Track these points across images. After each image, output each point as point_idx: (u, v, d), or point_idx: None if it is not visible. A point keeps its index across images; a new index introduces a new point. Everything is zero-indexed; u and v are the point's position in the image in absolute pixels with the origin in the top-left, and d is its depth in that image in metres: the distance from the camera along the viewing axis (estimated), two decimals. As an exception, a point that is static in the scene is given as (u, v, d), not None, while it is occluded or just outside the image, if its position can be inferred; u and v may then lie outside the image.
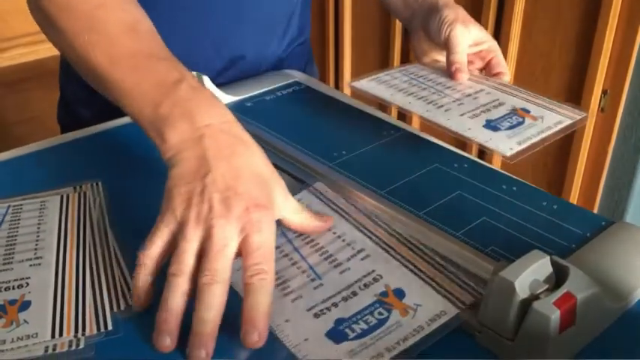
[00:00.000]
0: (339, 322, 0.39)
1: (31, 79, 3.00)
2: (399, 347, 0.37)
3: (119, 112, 0.65)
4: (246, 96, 0.69)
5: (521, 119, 0.56)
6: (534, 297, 0.36)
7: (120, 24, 0.49)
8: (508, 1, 1.37)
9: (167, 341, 0.37)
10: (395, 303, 0.40)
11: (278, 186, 0.43)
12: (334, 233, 0.46)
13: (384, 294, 0.41)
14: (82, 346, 0.38)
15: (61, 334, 0.39)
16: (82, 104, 0.74)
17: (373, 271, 0.43)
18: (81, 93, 0.74)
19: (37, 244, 0.47)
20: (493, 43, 0.66)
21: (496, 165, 1.52)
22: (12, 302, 0.41)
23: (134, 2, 0.53)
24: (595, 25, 1.24)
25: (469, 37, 0.63)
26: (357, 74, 1.87)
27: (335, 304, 0.40)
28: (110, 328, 0.39)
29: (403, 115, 1.75)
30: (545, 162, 1.44)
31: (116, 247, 0.46)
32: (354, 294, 0.41)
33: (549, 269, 0.38)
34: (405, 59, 1.67)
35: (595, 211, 1.42)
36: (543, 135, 0.54)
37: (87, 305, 0.41)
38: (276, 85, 0.72)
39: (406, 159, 0.58)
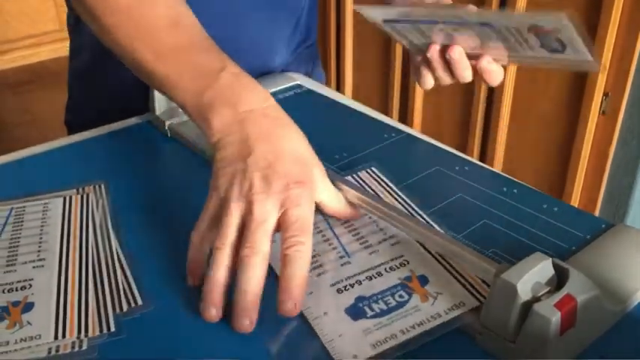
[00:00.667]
0: (359, 299, 0.41)
1: (32, 81, 3.01)
2: (413, 331, 0.39)
3: (126, 115, 0.66)
4: (248, 98, 0.69)
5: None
6: (535, 299, 0.37)
7: (163, 18, 0.51)
8: (509, 3, 1.37)
9: (213, 312, 0.40)
10: (417, 288, 0.42)
11: (317, 168, 0.45)
12: (369, 218, 0.48)
13: (408, 278, 0.43)
14: (84, 347, 0.38)
15: (64, 336, 0.39)
16: (89, 107, 0.75)
17: (401, 256, 0.45)
18: (88, 96, 0.74)
19: (40, 246, 0.47)
20: None
21: (497, 168, 1.52)
22: (15, 304, 0.41)
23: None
24: (596, 28, 1.24)
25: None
26: (358, 77, 1.87)
27: (359, 282, 0.42)
28: (113, 329, 0.39)
29: (404, 117, 1.75)
30: (546, 165, 1.44)
31: (119, 249, 0.47)
32: (379, 274, 0.43)
33: (551, 271, 0.38)
34: (407, 63, 1.68)
35: (596, 213, 1.42)
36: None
37: (90, 307, 0.41)
38: (278, 88, 0.72)
39: (407, 161, 0.58)
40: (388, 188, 0.53)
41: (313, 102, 0.70)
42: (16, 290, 0.42)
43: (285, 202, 0.41)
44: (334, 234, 0.47)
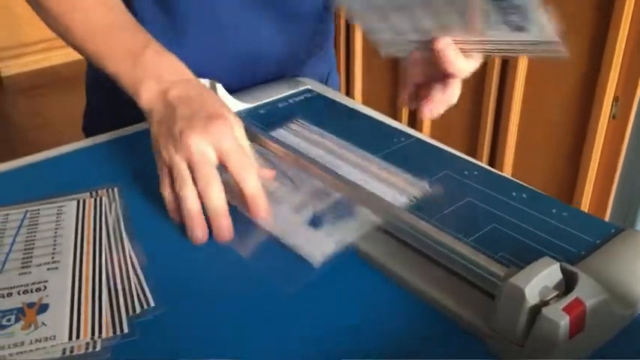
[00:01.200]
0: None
1: (45, 85, 3.04)
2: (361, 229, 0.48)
3: (142, 121, 0.66)
4: (259, 103, 0.70)
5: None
6: (544, 303, 0.37)
7: (94, 1, 0.58)
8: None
9: (199, 233, 0.48)
10: None
11: (234, 117, 0.52)
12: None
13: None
14: (98, 348, 0.39)
15: (78, 337, 0.39)
16: (106, 114, 0.75)
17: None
18: (107, 104, 0.75)
19: (54, 249, 0.48)
20: None
21: (506, 172, 1.52)
22: (30, 305, 0.42)
23: None
24: (606, 32, 1.24)
25: None
26: (368, 82, 1.88)
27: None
28: (126, 330, 0.40)
29: (413, 121, 1.76)
30: (555, 169, 1.44)
31: (131, 252, 0.47)
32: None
33: (559, 276, 0.38)
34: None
35: (606, 218, 1.41)
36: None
37: (103, 308, 0.42)
38: (289, 93, 0.72)
39: (416, 166, 0.58)
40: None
41: (323, 106, 0.71)
42: (31, 292, 0.43)
43: (213, 139, 0.48)
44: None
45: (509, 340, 0.38)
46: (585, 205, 1.40)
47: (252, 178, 0.49)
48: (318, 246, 0.47)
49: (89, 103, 0.81)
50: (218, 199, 0.48)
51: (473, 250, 0.44)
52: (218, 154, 0.49)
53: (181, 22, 0.68)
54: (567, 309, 0.36)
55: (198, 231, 0.48)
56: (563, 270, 0.39)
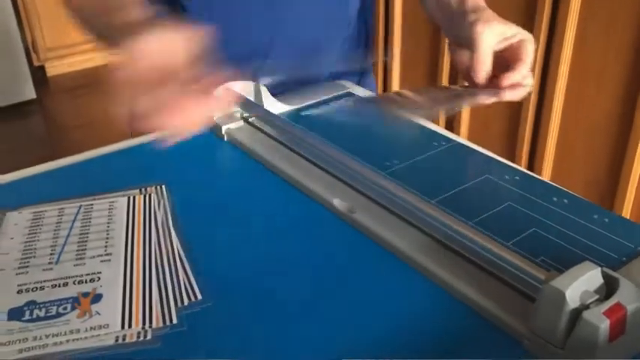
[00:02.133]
0: None
1: (88, 85, 3.12)
2: None
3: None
4: (301, 105, 0.71)
5: None
6: (584, 307, 0.37)
7: None
8: (561, 9, 1.35)
9: None
10: None
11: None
12: None
13: None
14: (149, 337, 0.41)
15: (130, 326, 0.41)
16: None
17: None
18: None
19: (106, 242, 0.50)
20: (525, 35, 0.60)
21: (545, 178, 1.50)
22: (85, 294, 0.44)
23: None
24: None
25: (491, 35, 0.59)
26: (406, 84, 1.88)
27: None
28: (175, 321, 0.42)
29: (450, 126, 1.75)
30: (596, 176, 1.42)
31: (179, 247, 0.49)
32: None
33: (600, 280, 0.39)
34: (454, 74, 1.68)
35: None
36: None
37: (153, 299, 0.44)
38: (330, 96, 0.74)
39: (456, 169, 0.59)
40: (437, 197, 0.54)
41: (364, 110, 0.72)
42: (86, 282, 0.45)
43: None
44: None
45: (548, 342, 0.38)
46: (627, 212, 1.38)
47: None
48: None
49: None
50: None
51: (513, 253, 0.44)
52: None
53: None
54: (608, 313, 0.36)
55: None
56: (604, 275, 0.40)
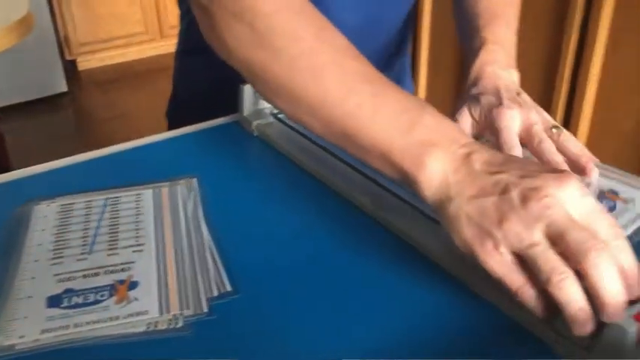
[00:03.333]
0: None
1: (119, 79, 3.18)
2: (637, 221, 0.48)
3: (226, 114, 0.68)
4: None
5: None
6: (614, 310, 0.37)
7: (344, 47, 0.46)
8: (594, 13, 1.34)
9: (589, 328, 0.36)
10: (615, 198, 0.52)
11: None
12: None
13: (603, 193, 0.52)
14: (180, 324, 0.42)
15: (168, 312, 0.42)
16: (192, 106, 0.79)
17: (583, 179, 0.53)
18: (191, 95, 0.79)
19: (137, 233, 0.51)
20: (540, 121, 0.55)
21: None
22: (121, 282, 0.45)
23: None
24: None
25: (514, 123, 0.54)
26: (431, 93, 1.88)
27: None
28: (205, 310, 0.43)
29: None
30: None
31: (209, 238, 0.50)
32: None
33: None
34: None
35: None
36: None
37: (188, 288, 0.45)
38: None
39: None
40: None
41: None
42: (121, 271, 0.47)
43: (577, 204, 0.37)
44: None
45: (576, 344, 0.38)
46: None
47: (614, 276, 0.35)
48: None
49: (175, 92, 0.85)
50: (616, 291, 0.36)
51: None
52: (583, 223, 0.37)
53: None
54: (638, 316, 0.36)
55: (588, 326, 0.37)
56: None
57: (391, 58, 0.81)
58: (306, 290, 0.45)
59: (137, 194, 0.56)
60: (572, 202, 0.37)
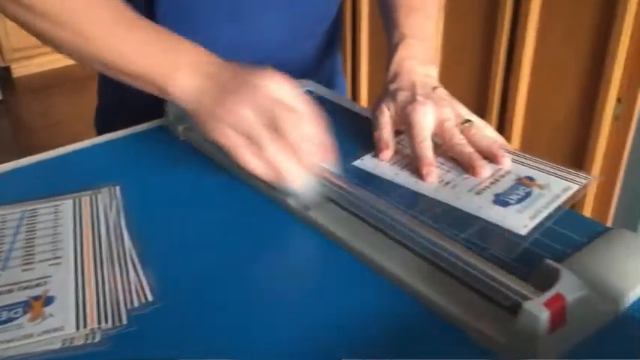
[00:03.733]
0: (497, 195, 0.52)
1: (56, 85, 3.07)
2: (550, 206, 0.51)
3: (151, 119, 0.68)
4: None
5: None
6: (525, 297, 0.38)
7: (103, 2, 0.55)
8: (522, 10, 1.38)
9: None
10: (530, 183, 0.54)
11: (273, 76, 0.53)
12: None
13: (520, 180, 0.54)
14: (97, 339, 0.40)
15: (85, 327, 0.41)
16: (117, 114, 0.77)
17: (501, 168, 0.56)
18: (116, 103, 0.77)
19: (54, 245, 0.49)
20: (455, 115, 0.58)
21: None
22: (36, 298, 0.44)
23: None
24: (610, 33, 1.25)
25: (430, 120, 0.57)
26: (373, 87, 1.89)
27: (487, 186, 0.53)
28: (125, 322, 0.42)
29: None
30: (559, 170, 1.44)
31: (132, 248, 0.49)
32: (497, 180, 0.54)
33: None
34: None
35: (609, 218, 1.42)
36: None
37: (107, 300, 0.43)
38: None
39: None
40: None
41: (323, 108, 0.72)
42: (36, 286, 0.45)
43: (260, 106, 0.50)
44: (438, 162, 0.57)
45: (492, 335, 0.39)
46: (589, 205, 1.41)
47: (305, 127, 0.51)
48: (517, 219, 0.50)
49: (100, 102, 0.83)
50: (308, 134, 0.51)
51: (461, 247, 0.45)
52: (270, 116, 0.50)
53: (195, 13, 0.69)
54: (548, 303, 0.37)
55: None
56: (546, 266, 0.41)
57: (321, 60, 0.81)
58: (230, 295, 0.45)
59: (56, 205, 0.54)
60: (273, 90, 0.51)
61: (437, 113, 0.57)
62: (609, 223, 1.42)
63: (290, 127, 0.50)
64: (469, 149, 0.55)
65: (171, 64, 0.53)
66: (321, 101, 0.73)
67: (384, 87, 0.63)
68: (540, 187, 0.53)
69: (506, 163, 0.55)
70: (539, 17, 1.36)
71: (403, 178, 0.56)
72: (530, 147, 1.49)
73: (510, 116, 1.49)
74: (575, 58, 1.34)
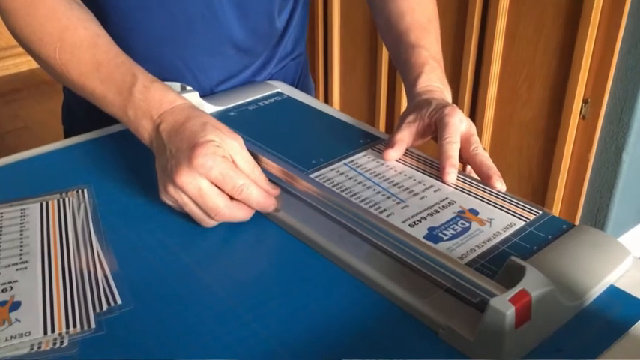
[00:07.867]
0: (431, 229, 0.50)
1: (24, 89, 3.02)
2: (485, 245, 0.48)
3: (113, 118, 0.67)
4: (230, 106, 0.71)
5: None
6: (492, 294, 0.39)
7: (84, 41, 0.59)
8: (491, 10, 1.40)
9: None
10: (472, 218, 0.52)
11: (222, 134, 0.52)
12: (401, 173, 0.58)
13: (462, 212, 0.52)
14: (66, 343, 0.40)
15: (53, 332, 0.40)
16: (82, 109, 0.77)
17: (447, 198, 0.54)
18: (81, 98, 0.76)
19: (21, 249, 0.49)
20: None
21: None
22: (2, 303, 0.43)
23: (91, 18, 0.62)
24: (576, 34, 1.27)
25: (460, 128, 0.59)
26: (346, 88, 1.90)
27: (424, 218, 0.51)
28: (93, 326, 0.41)
29: (391, 129, 1.78)
30: (529, 170, 1.47)
31: (100, 250, 0.48)
32: (437, 212, 0.52)
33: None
34: (392, 75, 1.70)
35: (577, 216, 1.44)
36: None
37: (75, 304, 0.43)
38: (259, 96, 0.74)
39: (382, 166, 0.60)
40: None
41: (293, 109, 0.72)
42: (2, 292, 0.44)
43: (201, 172, 0.49)
44: (382, 188, 0.56)
45: (460, 331, 0.40)
46: (557, 204, 1.43)
47: (252, 193, 0.51)
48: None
49: (66, 98, 0.82)
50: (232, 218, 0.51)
51: (428, 245, 0.45)
52: (212, 182, 0.50)
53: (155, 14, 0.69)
54: (513, 299, 0.38)
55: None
56: (512, 263, 0.41)
57: (286, 63, 0.81)
58: (198, 299, 0.45)
59: (22, 209, 0.54)
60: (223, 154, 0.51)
61: (467, 124, 0.59)
62: (578, 222, 1.44)
63: (235, 180, 0.50)
64: (490, 162, 0.57)
65: (132, 117, 0.57)
66: (290, 102, 0.74)
67: (411, 102, 0.65)
68: (481, 222, 0.51)
69: (500, 187, 0.56)
70: (507, 20, 1.39)
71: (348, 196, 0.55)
72: (499, 148, 1.51)
73: (480, 117, 1.51)
74: (542, 60, 1.36)
